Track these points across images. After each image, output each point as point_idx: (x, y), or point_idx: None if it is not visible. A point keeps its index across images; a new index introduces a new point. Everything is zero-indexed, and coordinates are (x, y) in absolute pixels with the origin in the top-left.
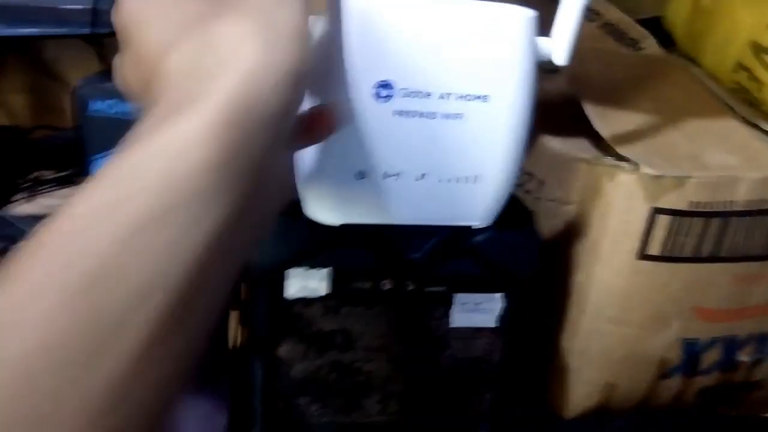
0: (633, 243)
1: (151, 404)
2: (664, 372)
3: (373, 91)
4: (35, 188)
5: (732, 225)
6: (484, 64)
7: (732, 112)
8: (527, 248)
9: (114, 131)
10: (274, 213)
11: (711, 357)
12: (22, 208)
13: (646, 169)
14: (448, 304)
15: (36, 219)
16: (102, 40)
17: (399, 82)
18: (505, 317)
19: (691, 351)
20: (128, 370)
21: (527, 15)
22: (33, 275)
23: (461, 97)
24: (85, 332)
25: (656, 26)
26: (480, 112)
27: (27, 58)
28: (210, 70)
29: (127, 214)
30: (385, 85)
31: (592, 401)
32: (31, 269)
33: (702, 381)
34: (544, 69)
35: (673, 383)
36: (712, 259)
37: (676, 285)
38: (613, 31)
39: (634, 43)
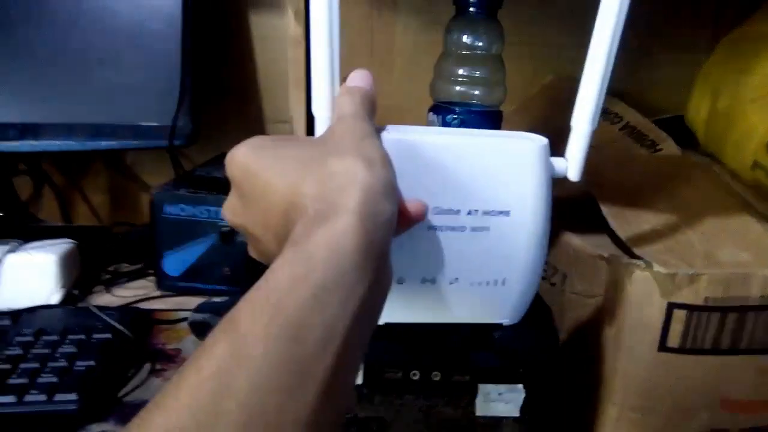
0: (653, 335)
1: (334, 421)
2: None
3: None
4: (113, 280)
5: (749, 319)
6: (505, 185)
7: (750, 208)
8: (545, 343)
9: (182, 231)
10: (388, 291)
11: None
12: (102, 298)
13: (659, 268)
14: (473, 393)
15: (113, 309)
16: (175, 150)
17: (432, 203)
18: (526, 407)
19: None
20: (318, 399)
21: (540, 143)
22: (247, 326)
23: (486, 212)
24: (288, 371)
25: (679, 125)
26: (503, 225)
27: (110, 163)
28: (338, 191)
29: (308, 286)
30: None
31: None
32: (246, 320)
33: None
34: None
35: None
36: (733, 351)
37: (699, 376)
38: (633, 133)
39: (653, 145)
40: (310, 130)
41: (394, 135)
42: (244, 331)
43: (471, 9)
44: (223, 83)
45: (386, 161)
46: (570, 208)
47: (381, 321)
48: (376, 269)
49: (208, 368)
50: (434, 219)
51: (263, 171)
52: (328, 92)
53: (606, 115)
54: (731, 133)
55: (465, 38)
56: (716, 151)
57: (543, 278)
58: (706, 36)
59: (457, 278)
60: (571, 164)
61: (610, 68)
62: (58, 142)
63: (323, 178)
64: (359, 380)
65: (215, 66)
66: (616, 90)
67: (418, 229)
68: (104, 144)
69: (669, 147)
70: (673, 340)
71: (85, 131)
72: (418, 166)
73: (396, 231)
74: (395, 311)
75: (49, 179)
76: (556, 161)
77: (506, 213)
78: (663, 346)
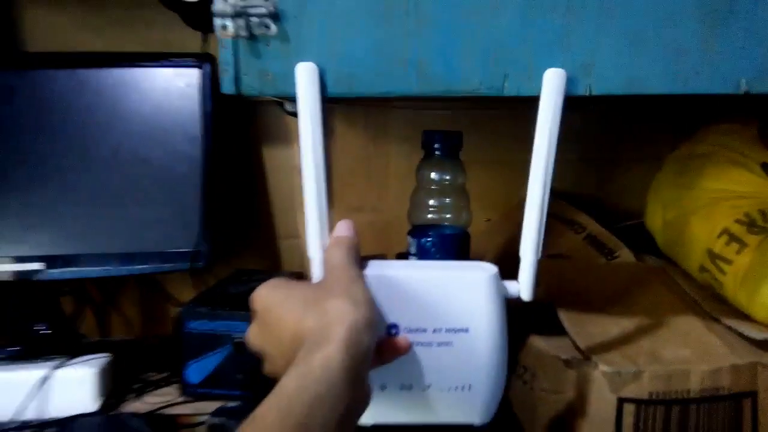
0: (609, 428)
1: None
2: None
3: (387, 330)
4: (143, 388)
5: (692, 411)
6: (463, 307)
7: (697, 308)
8: None
9: (204, 343)
10: (367, 403)
11: None
12: (133, 405)
13: (605, 367)
14: None
15: (142, 415)
16: (197, 272)
17: (403, 323)
18: None
19: None
20: None
21: (490, 272)
22: (266, 421)
23: (448, 330)
24: None
25: (642, 231)
26: (463, 340)
27: (142, 282)
28: (330, 325)
29: (308, 394)
30: (393, 326)
31: None
32: (265, 415)
33: None
34: None
35: None
36: None
37: None
38: (594, 242)
39: (611, 252)
40: None
41: (374, 271)
42: (263, 425)
43: (436, 152)
44: (240, 207)
45: (370, 302)
46: (537, 313)
47: (370, 422)
48: (357, 385)
49: None
50: (407, 336)
51: (277, 307)
52: (319, 241)
53: (571, 225)
54: (680, 241)
55: (433, 175)
56: (671, 255)
57: (517, 376)
58: (668, 144)
59: (429, 385)
60: (523, 287)
61: (546, 207)
62: (97, 269)
63: (320, 315)
64: None
65: (233, 194)
66: (586, 198)
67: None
68: (136, 269)
69: (625, 255)
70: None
71: (120, 258)
72: (393, 294)
73: (387, 359)
74: (381, 413)
75: (90, 298)
76: (510, 284)
77: (465, 330)
78: None
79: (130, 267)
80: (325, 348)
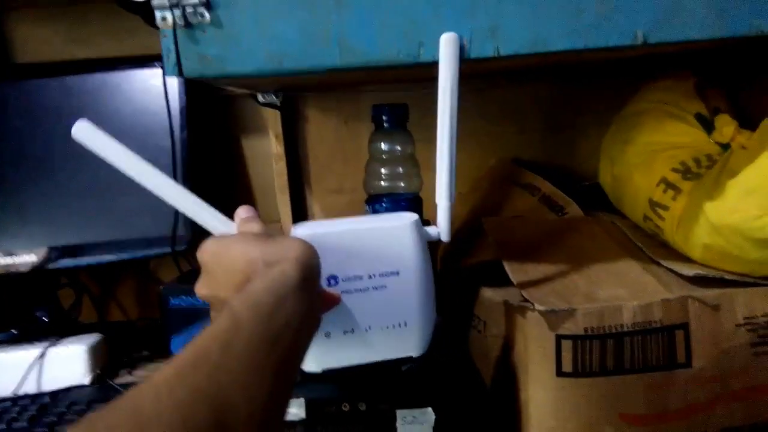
0: (550, 364)
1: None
2: None
3: (326, 281)
4: (134, 363)
5: (626, 343)
6: (391, 253)
7: (640, 253)
8: (448, 372)
9: (187, 318)
10: (317, 324)
11: None
12: (124, 378)
13: (540, 307)
14: (393, 418)
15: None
16: (177, 255)
17: (341, 274)
18: (438, 427)
19: None
20: (280, 364)
21: (410, 219)
22: (240, 312)
23: (382, 275)
24: (266, 336)
25: (597, 190)
26: (396, 282)
27: (137, 270)
28: (283, 249)
29: (274, 295)
30: (332, 277)
31: None
32: (239, 307)
33: None
34: None
35: None
36: (619, 371)
37: (595, 395)
38: (548, 202)
39: (561, 209)
40: None
41: (308, 230)
42: (239, 310)
43: (385, 124)
44: (222, 194)
45: (312, 249)
46: (491, 270)
47: (318, 369)
48: (311, 302)
49: (216, 330)
50: (344, 285)
51: (226, 249)
52: None
53: (529, 188)
54: (626, 194)
55: (383, 146)
56: (620, 208)
57: (472, 327)
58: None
59: (370, 326)
60: (441, 230)
61: (454, 158)
62: (89, 257)
63: (272, 244)
64: (303, 415)
65: (216, 182)
66: (553, 164)
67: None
68: (125, 255)
69: (573, 210)
70: (567, 366)
71: (109, 247)
72: (330, 249)
73: (320, 311)
74: (328, 359)
75: (87, 289)
76: (430, 229)
77: (396, 273)
78: (560, 372)
79: (119, 254)
80: (282, 264)
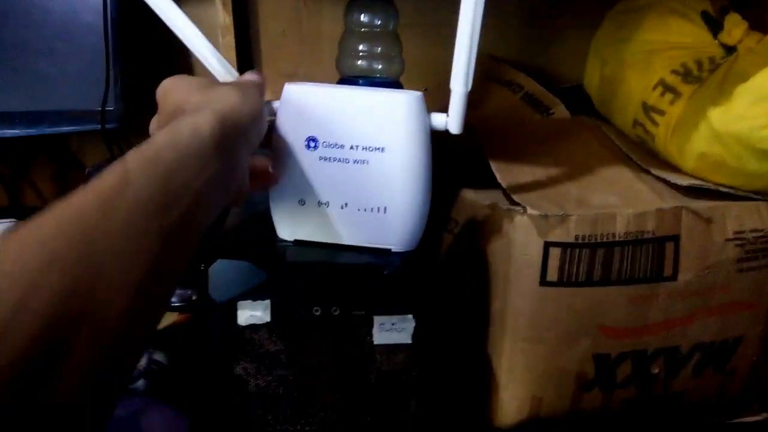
0: (535, 272)
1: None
2: (583, 385)
3: (305, 143)
4: None
5: (616, 253)
6: (381, 127)
7: (628, 161)
8: (430, 278)
9: None
10: (237, 193)
11: (624, 371)
12: None
13: (532, 211)
14: (369, 325)
15: None
16: (108, 133)
17: (321, 137)
18: (418, 335)
19: (604, 365)
20: (179, 222)
21: (414, 95)
22: (135, 164)
23: (365, 148)
24: (162, 194)
25: (580, 92)
26: (380, 160)
27: (55, 152)
28: (209, 102)
29: (176, 152)
30: (312, 138)
31: (523, 414)
32: (134, 160)
33: (622, 393)
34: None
35: (595, 396)
36: (604, 282)
37: (577, 307)
38: (531, 100)
39: (546, 110)
40: None
41: (298, 86)
42: (132, 166)
43: None
44: (160, 69)
45: (259, 104)
46: (471, 170)
47: (291, 238)
48: (227, 158)
49: (101, 186)
50: (324, 151)
51: (173, 91)
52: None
53: (509, 85)
54: (616, 96)
55: (363, 17)
56: (606, 113)
57: (447, 231)
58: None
59: (346, 203)
60: (452, 120)
61: (477, 38)
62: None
63: (205, 94)
64: (268, 318)
65: (150, 52)
66: (529, 64)
67: (312, 159)
68: (44, 130)
69: (560, 111)
70: (552, 275)
71: (24, 118)
72: (311, 110)
73: (243, 183)
74: (301, 229)
75: None
76: (436, 116)
77: (381, 149)
78: (543, 281)
79: (37, 128)
80: (196, 115)
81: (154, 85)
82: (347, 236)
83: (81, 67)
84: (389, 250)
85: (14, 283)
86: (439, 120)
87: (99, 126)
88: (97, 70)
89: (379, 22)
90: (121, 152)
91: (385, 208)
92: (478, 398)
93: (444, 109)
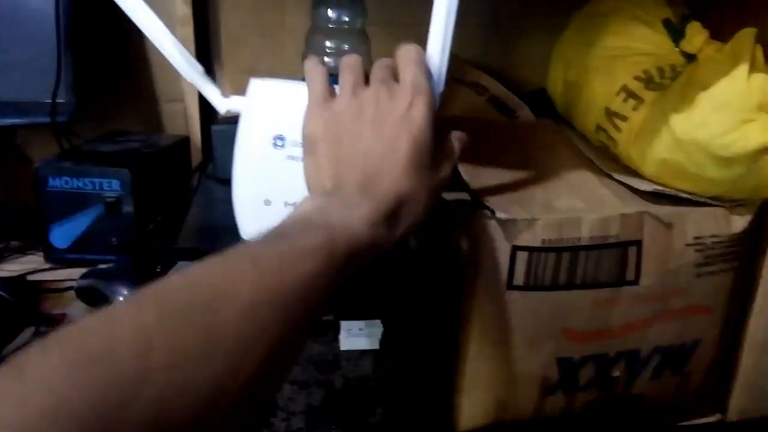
0: (502, 276)
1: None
2: (547, 388)
3: (272, 141)
4: (2, 256)
5: (581, 258)
6: None
7: (592, 165)
8: (400, 281)
9: (68, 203)
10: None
11: (586, 374)
12: None
13: (501, 215)
14: (336, 330)
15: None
16: (59, 126)
17: (289, 136)
18: (386, 341)
19: (567, 368)
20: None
21: None
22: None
23: None
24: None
25: (543, 96)
26: None
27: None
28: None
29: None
30: (279, 137)
31: (488, 417)
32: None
33: (585, 396)
34: None
35: (558, 399)
36: (569, 287)
37: (542, 310)
38: (497, 103)
39: (512, 113)
40: (203, 109)
41: (262, 82)
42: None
43: None
44: (114, 61)
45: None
46: None
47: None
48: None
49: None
50: (291, 150)
51: (347, 129)
52: None
53: (474, 87)
54: (579, 101)
55: (330, 13)
56: (569, 117)
57: (413, 234)
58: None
59: None
60: None
61: (449, 41)
62: None
63: (422, 180)
64: None
65: (104, 44)
66: (491, 67)
67: (279, 158)
68: None
69: (525, 114)
70: (518, 279)
71: None
72: (280, 107)
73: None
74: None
75: None
76: None
77: None
78: (510, 285)
79: None
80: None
81: (107, 76)
82: None
83: (30, 56)
84: None
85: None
86: None
87: (49, 119)
88: (46, 59)
89: (347, 19)
90: (70, 146)
91: None
92: (442, 403)
93: None
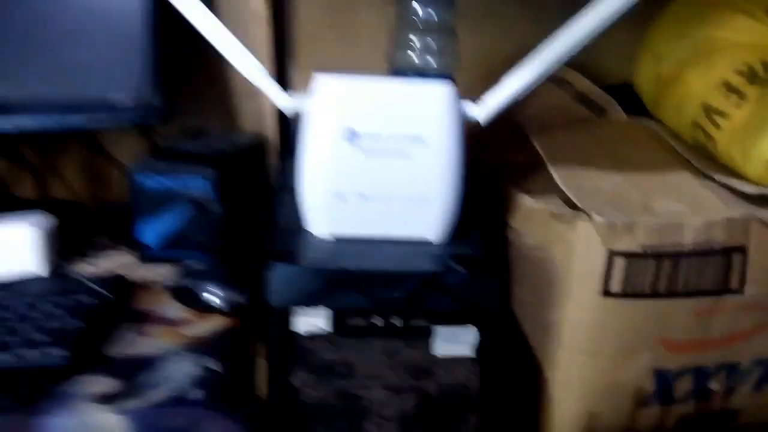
0: (597, 282)
1: None
2: (641, 400)
3: (343, 135)
4: (94, 252)
5: (683, 264)
6: (420, 117)
7: (689, 165)
8: (493, 289)
9: (159, 202)
10: None
11: (683, 386)
12: (83, 267)
13: (598, 218)
14: (429, 336)
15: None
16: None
17: (361, 130)
18: (479, 348)
19: (663, 380)
20: None
21: (448, 87)
22: None
23: (406, 138)
24: None
25: (628, 91)
26: (420, 150)
27: (85, 143)
28: None
29: None
30: (352, 131)
31: (579, 429)
32: None
33: (680, 409)
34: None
35: (652, 412)
36: (669, 295)
37: (639, 319)
38: (583, 99)
39: (600, 109)
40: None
41: (330, 78)
42: None
43: None
44: (192, 60)
45: None
46: (524, 173)
47: (328, 233)
48: None
49: None
50: (366, 143)
51: None
52: None
53: (558, 82)
54: (673, 96)
55: (418, 9)
56: (661, 114)
57: (504, 239)
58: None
59: (387, 195)
60: (482, 112)
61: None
62: (33, 121)
63: None
64: (328, 327)
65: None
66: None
67: (351, 151)
68: (77, 121)
69: (615, 111)
70: (615, 286)
71: (59, 110)
72: (350, 101)
73: None
74: (340, 224)
75: (25, 160)
76: (469, 106)
77: (422, 140)
78: (606, 292)
79: (71, 119)
80: None
81: (192, 79)
82: (387, 229)
83: (119, 58)
84: (427, 240)
85: None
86: (471, 111)
87: (139, 120)
88: (134, 61)
89: (435, 15)
90: (155, 146)
91: (424, 199)
92: (533, 413)
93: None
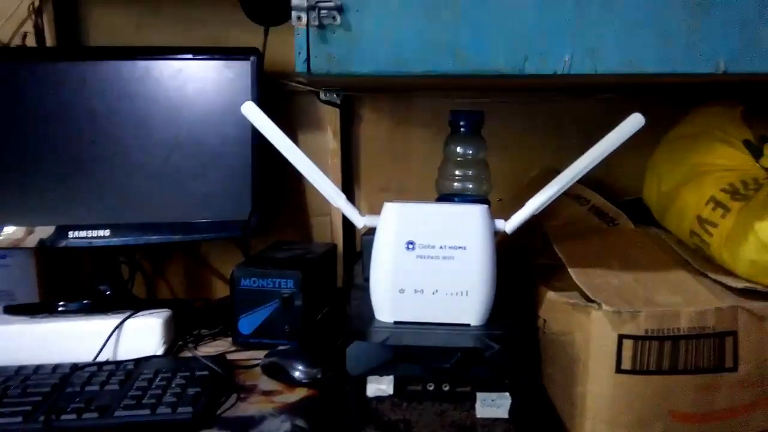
0: (610, 361)
1: None
2: None
3: (404, 245)
4: (198, 340)
5: (682, 346)
6: (462, 231)
7: (688, 266)
8: (522, 362)
9: (254, 298)
10: None
11: None
12: (192, 351)
13: (607, 307)
14: (473, 400)
15: (214, 358)
16: (241, 242)
17: (417, 241)
18: (513, 411)
19: None
20: None
21: (482, 208)
22: None
23: (451, 247)
24: None
25: (640, 205)
26: (463, 255)
27: (187, 253)
28: None
29: None
30: (410, 242)
31: None
32: None
33: None
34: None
35: None
36: (673, 371)
37: (649, 393)
38: (597, 212)
39: (611, 220)
40: (345, 222)
41: (397, 204)
42: None
43: (462, 129)
44: (276, 187)
45: None
46: (550, 273)
47: (391, 320)
48: None
49: None
50: (419, 251)
51: None
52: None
53: (577, 199)
54: (673, 210)
55: (458, 149)
56: (666, 223)
57: (535, 326)
58: (663, 130)
59: (437, 290)
60: (509, 226)
61: (563, 189)
62: (162, 237)
63: None
64: (391, 391)
65: (271, 175)
66: (592, 177)
67: (410, 257)
68: (197, 236)
69: (624, 222)
70: (626, 364)
71: (182, 228)
72: (411, 219)
73: None
74: (399, 312)
75: (141, 267)
76: (498, 221)
77: (463, 248)
78: (619, 369)
79: (192, 235)
80: None
81: (277, 201)
82: (437, 315)
83: (225, 188)
84: (468, 324)
85: None
86: (499, 224)
87: (239, 232)
88: (237, 189)
89: (471, 153)
90: (247, 256)
91: (467, 292)
92: None
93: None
